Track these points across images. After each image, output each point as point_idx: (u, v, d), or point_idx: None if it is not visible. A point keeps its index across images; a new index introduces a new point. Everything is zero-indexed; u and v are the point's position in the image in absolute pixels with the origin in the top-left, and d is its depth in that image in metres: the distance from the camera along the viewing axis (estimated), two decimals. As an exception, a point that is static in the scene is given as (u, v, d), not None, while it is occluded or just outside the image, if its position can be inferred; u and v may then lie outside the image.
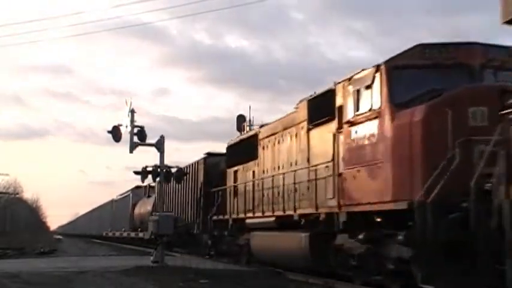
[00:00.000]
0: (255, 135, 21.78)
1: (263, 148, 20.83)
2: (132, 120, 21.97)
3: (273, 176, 19.18)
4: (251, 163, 21.85)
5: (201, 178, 28.55)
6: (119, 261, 23.33)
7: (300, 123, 17.85)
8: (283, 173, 18.26)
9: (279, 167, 19.32)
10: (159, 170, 22.51)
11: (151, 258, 21.92)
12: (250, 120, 27.53)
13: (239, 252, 22.53)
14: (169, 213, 26.69)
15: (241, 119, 27.63)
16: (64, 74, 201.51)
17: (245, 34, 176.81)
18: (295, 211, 17.14)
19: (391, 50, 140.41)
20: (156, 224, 22.20)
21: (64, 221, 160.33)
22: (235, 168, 23.62)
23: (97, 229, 68.11)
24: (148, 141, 22.43)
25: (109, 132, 22.20)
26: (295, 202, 17.20)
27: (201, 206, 27.58)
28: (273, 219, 18.76)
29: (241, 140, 23.67)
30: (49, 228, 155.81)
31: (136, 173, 23.24)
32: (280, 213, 18.25)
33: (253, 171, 21.59)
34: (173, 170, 23.33)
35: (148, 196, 40.75)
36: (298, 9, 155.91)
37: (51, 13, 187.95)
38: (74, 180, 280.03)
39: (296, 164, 17.95)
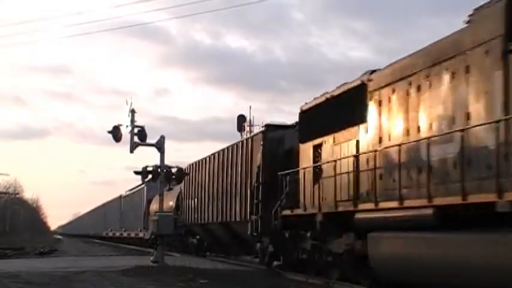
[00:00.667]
0: (361, 87, 13.42)
1: (379, 104, 12.69)
2: (133, 120, 20.92)
3: (431, 139, 10.60)
4: (351, 130, 13.76)
5: (258, 159, 19.49)
6: (119, 261, 22.40)
7: (476, 46, 9.82)
8: (460, 130, 9.78)
9: (418, 129, 11.24)
10: (159, 170, 21.36)
11: (151, 258, 20.92)
12: (250, 120, 26.01)
13: (332, 264, 14.24)
14: (169, 213, 24.45)
15: (241, 119, 26.00)
16: (64, 74, 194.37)
17: (245, 34, 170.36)
18: (499, 196, 8.66)
19: (391, 50, 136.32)
20: (156, 224, 21.21)
21: (64, 221, 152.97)
22: (317, 141, 15.44)
23: (102, 229, 59.07)
24: (148, 141, 21.39)
25: (109, 132, 21.11)
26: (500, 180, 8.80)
27: (260, 197, 18.76)
28: (429, 211, 10.22)
29: (330, 99, 15.09)
30: (49, 228, 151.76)
31: (136, 173, 21.89)
32: (448, 200, 9.82)
33: (357, 141, 13.42)
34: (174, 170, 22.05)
35: (169, 189, 31.66)
36: (298, 9, 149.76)
37: (51, 13, 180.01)
38: (74, 180, 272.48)
39: (469, 118, 9.88)
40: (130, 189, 45.22)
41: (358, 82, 13.65)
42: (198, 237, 28.09)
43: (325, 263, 14.52)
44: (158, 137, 21.67)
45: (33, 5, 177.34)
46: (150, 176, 21.94)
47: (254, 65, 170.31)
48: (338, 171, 13.66)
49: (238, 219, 21.01)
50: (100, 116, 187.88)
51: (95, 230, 65.65)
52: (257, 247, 18.91)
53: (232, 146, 22.61)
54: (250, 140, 20.92)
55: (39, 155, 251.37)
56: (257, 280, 15.26)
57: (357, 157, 13.14)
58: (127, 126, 20.87)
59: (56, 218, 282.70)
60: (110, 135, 21.02)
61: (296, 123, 17.92)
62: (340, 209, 13.49)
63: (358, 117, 13.25)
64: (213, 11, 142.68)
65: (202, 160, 26.28)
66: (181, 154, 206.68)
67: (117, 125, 20.96)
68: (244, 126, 25.46)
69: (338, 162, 13.72)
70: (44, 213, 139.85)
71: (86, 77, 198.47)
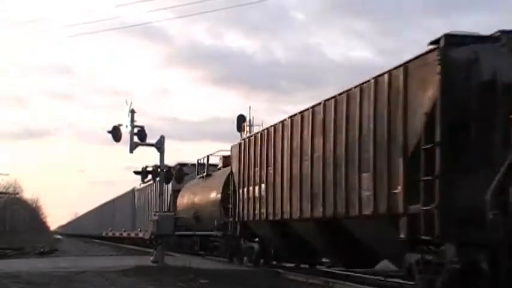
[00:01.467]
0: None
1: None
2: (132, 120, 20.83)
3: None
4: None
5: (425, 103, 10.51)
6: (119, 261, 22.07)
7: None
8: None
9: None
10: (159, 170, 21.31)
11: (151, 258, 20.71)
12: (250, 120, 25.28)
13: None
14: (170, 213, 23.46)
15: (241, 119, 25.44)
16: (64, 74, 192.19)
17: (246, 34, 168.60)
18: None
19: (391, 50, 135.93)
20: (156, 224, 20.91)
21: (64, 221, 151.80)
22: None
23: (108, 229, 53.64)
24: (148, 141, 21.26)
25: (109, 132, 21.04)
26: None
27: (438, 170, 9.95)
28: None
29: None
30: (49, 228, 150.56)
31: (136, 173, 21.97)
32: None
33: None
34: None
35: (207, 175, 26.13)
36: (299, 9, 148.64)
37: (52, 13, 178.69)
38: (74, 180, 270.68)
39: None
40: (146, 182, 35.07)
41: None
42: (257, 239, 20.13)
43: None
44: (158, 137, 21.46)
45: (33, 5, 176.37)
46: (149, 176, 21.93)
47: (254, 65, 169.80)
48: None
49: (366, 212, 12.14)
50: (100, 116, 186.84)
51: (100, 230, 59.20)
52: (408, 261, 11.01)
53: (347, 92, 13.20)
54: (402, 69, 11.25)
55: (39, 155, 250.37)
56: (258, 280, 15.11)
57: None
58: (127, 126, 20.75)
59: (56, 218, 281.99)
60: (110, 135, 20.89)
61: (500, 32, 10.23)
62: None
63: None
64: (214, 11, 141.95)
65: (273, 128, 17.71)
66: (181, 154, 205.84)
67: (117, 125, 20.82)
68: (244, 126, 24.92)
69: None
70: (43, 213, 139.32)
71: (86, 77, 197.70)
